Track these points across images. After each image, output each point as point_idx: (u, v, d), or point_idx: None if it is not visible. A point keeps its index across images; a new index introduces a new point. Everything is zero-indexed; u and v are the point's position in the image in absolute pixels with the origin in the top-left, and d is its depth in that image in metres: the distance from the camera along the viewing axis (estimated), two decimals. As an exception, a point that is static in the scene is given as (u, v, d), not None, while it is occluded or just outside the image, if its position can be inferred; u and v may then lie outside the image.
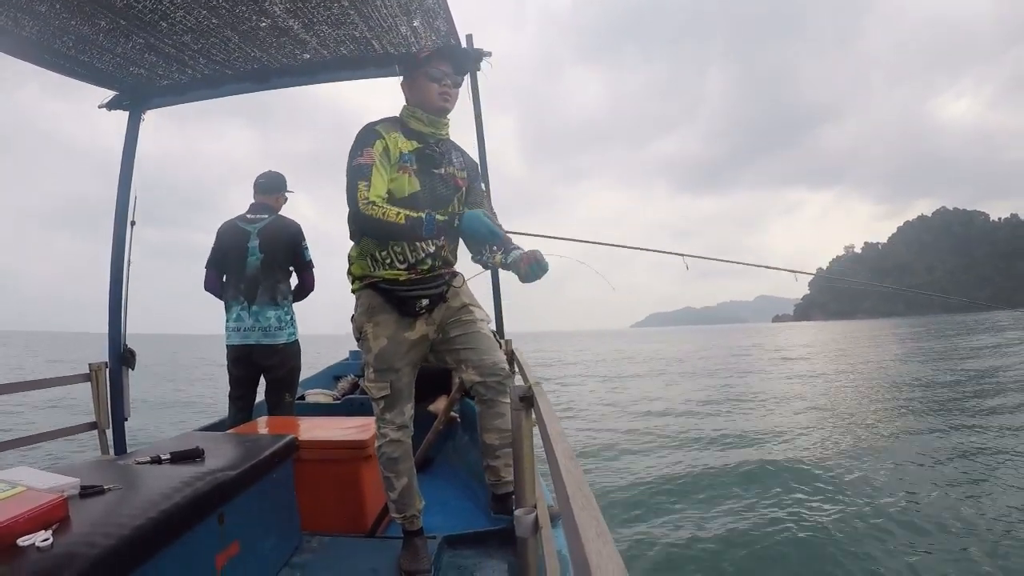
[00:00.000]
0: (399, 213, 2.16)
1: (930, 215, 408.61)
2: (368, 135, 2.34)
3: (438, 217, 2.18)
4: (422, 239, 2.29)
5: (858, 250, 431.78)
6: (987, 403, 12.93)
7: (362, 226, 2.27)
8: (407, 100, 2.50)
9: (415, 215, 2.17)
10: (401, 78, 2.57)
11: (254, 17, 2.86)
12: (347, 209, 2.28)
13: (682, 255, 2.48)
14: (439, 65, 2.42)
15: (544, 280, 2.30)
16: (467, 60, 2.56)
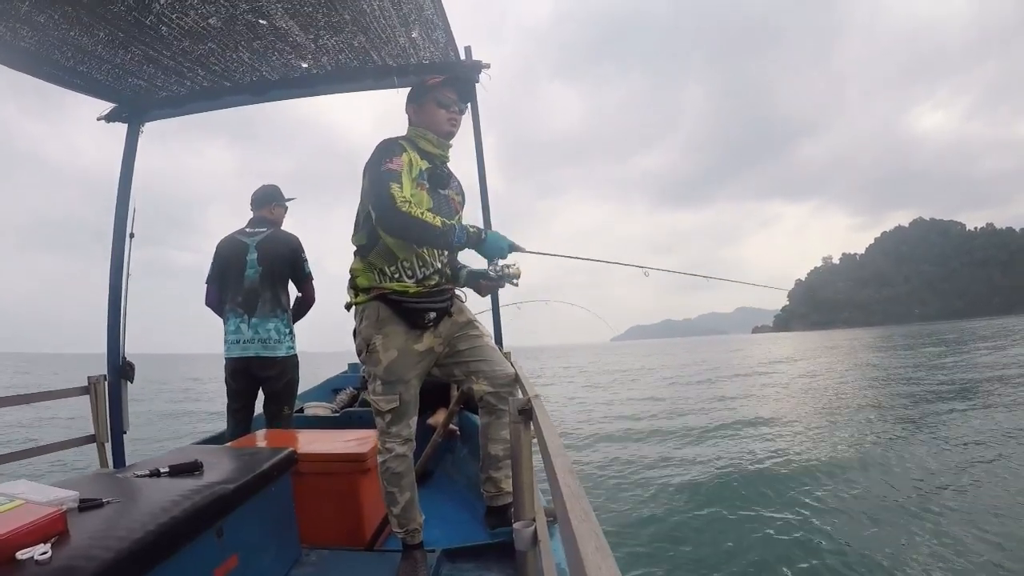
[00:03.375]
0: (435, 217, 2.25)
1: (907, 225, 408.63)
2: (394, 146, 2.39)
3: (469, 228, 2.31)
4: (451, 246, 2.33)
5: (836, 261, 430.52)
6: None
7: (396, 224, 2.24)
8: (413, 122, 2.58)
9: (449, 221, 2.27)
10: (398, 90, 2.63)
11: (253, 30, 2.87)
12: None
13: (643, 267, 2.61)
14: (447, 93, 2.52)
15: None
16: (472, 88, 2.67)
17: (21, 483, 1.75)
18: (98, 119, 3.57)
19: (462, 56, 3.45)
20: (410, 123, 2.58)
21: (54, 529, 1.47)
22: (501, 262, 2.46)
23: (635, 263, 2.55)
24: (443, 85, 2.51)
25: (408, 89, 2.64)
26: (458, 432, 4.28)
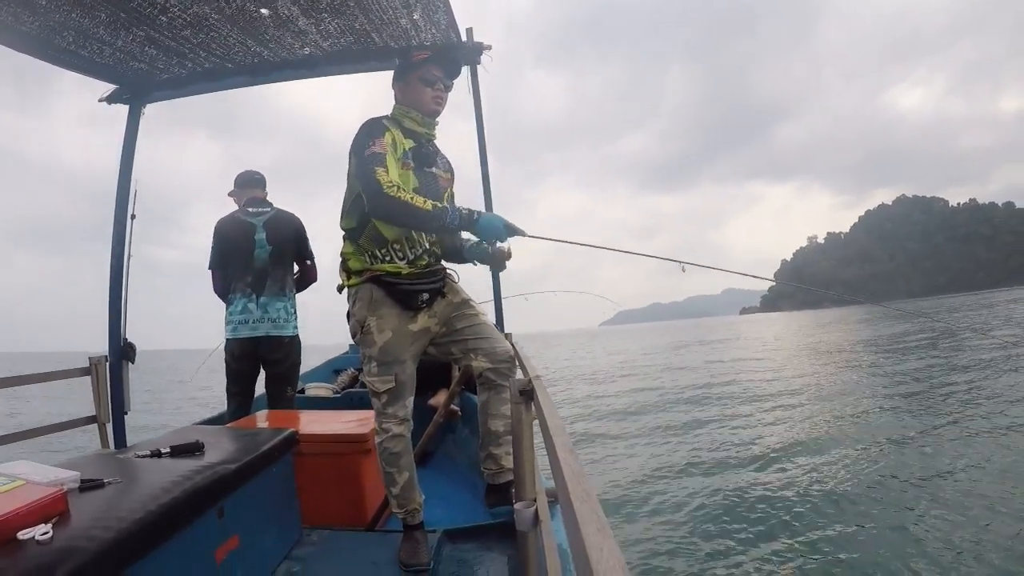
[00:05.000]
0: (425, 200, 2.21)
1: (890, 203, 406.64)
2: (377, 127, 2.36)
3: (462, 210, 2.25)
4: (444, 229, 2.29)
5: (821, 240, 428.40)
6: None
7: (386, 209, 2.21)
8: (398, 100, 2.53)
9: (440, 205, 2.23)
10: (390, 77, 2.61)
11: (254, 11, 2.85)
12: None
13: (680, 262, 2.58)
14: (433, 70, 2.47)
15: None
16: (458, 65, 2.62)
17: (22, 463, 1.75)
18: (99, 100, 3.57)
19: (463, 38, 3.42)
20: (396, 102, 2.54)
21: (55, 509, 1.47)
22: (498, 243, 2.45)
23: (669, 257, 2.55)
24: (428, 62, 2.47)
25: None
26: (459, 412, 4.29)
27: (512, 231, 2.31)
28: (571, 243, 2.56)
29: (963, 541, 5.26)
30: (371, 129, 2.34)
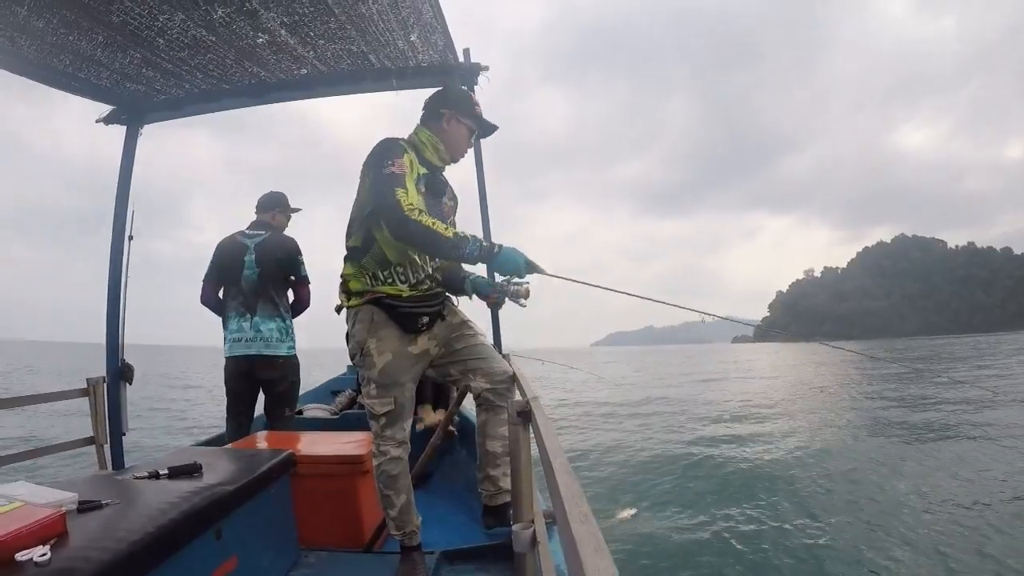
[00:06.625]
0: (446, 227, 2.20)
1: (889, 241, 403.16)
2: (396, 147, 2.36)
3: (483, 242, 2.24)
4: (462, 258, 2.26)
5: (818, 274, 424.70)
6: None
7: (406, 232, 2.19)
8: (432, 128, 2.55)
9: (462, 234, 2.22)
10: (396, 93, 2.63)
11: (251, 32, 2.87)
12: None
13: (701, 312, 2.65)
14: (478, 126, 2.59)
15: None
16: (491, 132, 2.71)
17: (20, 484, 1.75)
18: (97, 121, 3.57)
19: (460, 59, 3.43)
20: (427, 126, 2.55)
21: (53, 531, 1.48)
22: (514, 279, 2.42)
23: (695, 308, 2.60)
24: (480, 118, 2.58)
25: (404, 91, 2.65)
26: (456, 434, 4.27)
27: (532, 268, 2.29)
28: (584, 283, 2.54)
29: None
30: (390, 148, 2.34)
